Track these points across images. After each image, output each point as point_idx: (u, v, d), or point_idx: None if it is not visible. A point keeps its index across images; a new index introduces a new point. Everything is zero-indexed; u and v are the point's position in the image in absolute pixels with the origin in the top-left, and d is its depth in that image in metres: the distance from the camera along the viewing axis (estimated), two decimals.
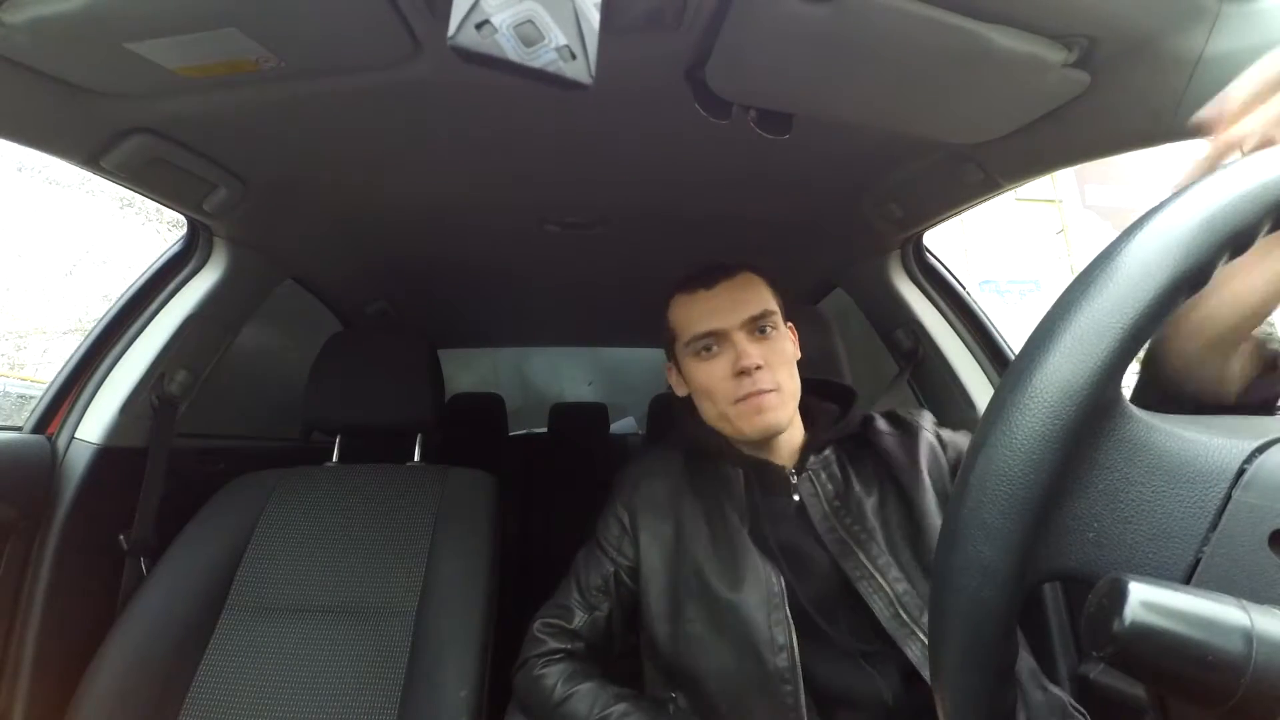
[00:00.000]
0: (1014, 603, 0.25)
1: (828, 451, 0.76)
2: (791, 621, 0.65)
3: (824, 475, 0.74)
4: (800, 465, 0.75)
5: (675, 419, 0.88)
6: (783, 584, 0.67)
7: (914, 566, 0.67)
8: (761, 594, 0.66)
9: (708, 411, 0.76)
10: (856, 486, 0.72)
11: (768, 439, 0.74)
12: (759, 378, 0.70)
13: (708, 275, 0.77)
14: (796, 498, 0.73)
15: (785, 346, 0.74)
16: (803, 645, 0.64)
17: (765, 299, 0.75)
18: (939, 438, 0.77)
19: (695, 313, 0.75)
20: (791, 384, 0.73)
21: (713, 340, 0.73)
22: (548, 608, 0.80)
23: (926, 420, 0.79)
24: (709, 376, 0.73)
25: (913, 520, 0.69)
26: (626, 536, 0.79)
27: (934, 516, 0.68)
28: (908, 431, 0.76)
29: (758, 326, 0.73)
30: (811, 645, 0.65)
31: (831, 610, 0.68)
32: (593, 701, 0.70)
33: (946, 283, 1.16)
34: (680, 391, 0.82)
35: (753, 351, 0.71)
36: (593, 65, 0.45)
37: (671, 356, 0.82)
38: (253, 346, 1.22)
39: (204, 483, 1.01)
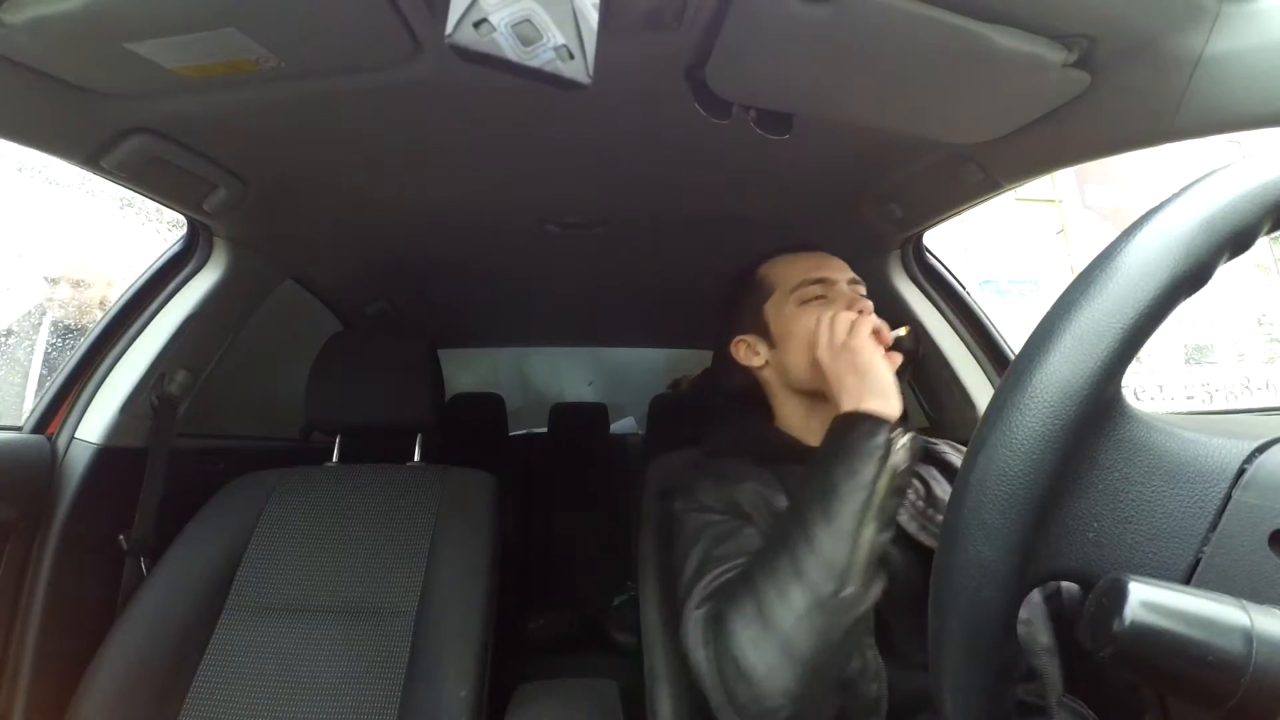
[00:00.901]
0: (1014, 602, 0.25)
1: None
2: (876, 645, 0.60)
3: None
4: None
5: (723, 419, 0.82)
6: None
7: None
8: None
9: (807, 366, 0.71)
10: (935, 486, 0.70)
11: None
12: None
13: (801, 244, 0.80)
14: None
15: None
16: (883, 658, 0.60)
17: None
18: None
19: (803, 264, 0.77)
20: None
21: (825, 287, 0.75)
22: (708, 568, 0.64)
23: None
24: (832, 318, 0.70)
25: None
26: (743, 512, 0.68)
27: None
28: None
29: (857, 290, 0.76)
30: (889, 656, 0.61)
31: (910, 618, 0.62)
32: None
33: (946, 283, 1.16)
34: (755, 362, 0.78)
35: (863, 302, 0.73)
36: (591, 65, 0.45)
37: (749, 324, 0.78)
38: (253, 346, 1.22)
39: (204, 483, 1.01)
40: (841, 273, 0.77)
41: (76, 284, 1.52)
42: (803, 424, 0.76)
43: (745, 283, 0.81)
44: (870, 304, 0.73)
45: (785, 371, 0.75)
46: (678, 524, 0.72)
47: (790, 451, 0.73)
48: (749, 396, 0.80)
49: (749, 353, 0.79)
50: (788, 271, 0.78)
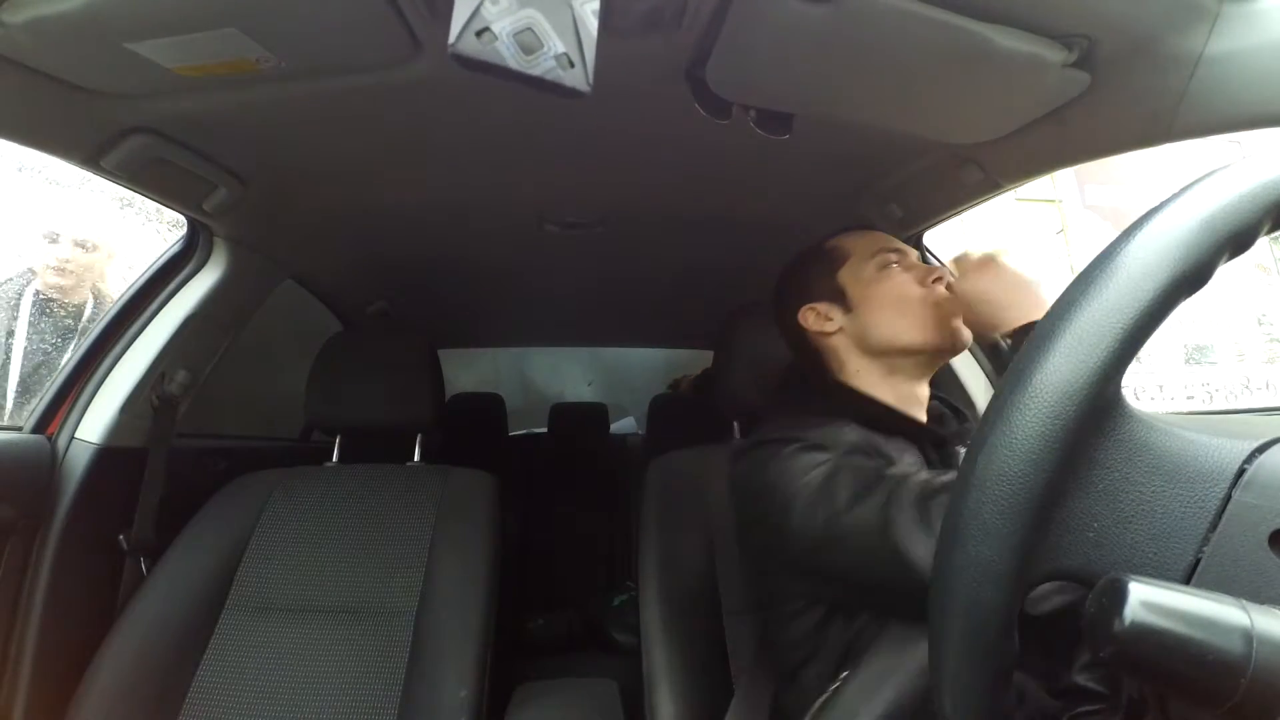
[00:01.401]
0: (1014, 603, 0.25)
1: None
2: None
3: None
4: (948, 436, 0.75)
5: (801, 387, 0.81)
6: None
7: None
8: None
9: (890, 326, 0.73)
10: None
11: (958, 349, 0.73)
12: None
13: (863, 225, 0.83)
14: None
15: None
16: None
17: None
18: None
19: (875, 237, 0.79)
20: None
21: (900, 255, 0.76)
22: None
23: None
24: (901, 284, 0.74)
25: None
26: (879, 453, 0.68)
27: None
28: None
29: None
30: None
31: None
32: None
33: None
34: (828, 328, 0.76)
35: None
36: (590, 73, 0.45)
37: (820, 292, 0.78)
38: (253, 346, 1.22)
39: (204, 483, 1.01)
40: (911, 249, 0.79)
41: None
42: (879, 387, 0.75)
43: (812, 254, 0.82)
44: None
45: (864, 333, 0.75)
46: (786, 464, 0.65)
47: (881, 411, 0.73)
48: (812, 368, 0.80)
49: (820, 319, 0.78)
50: (862, 242, 0.79)
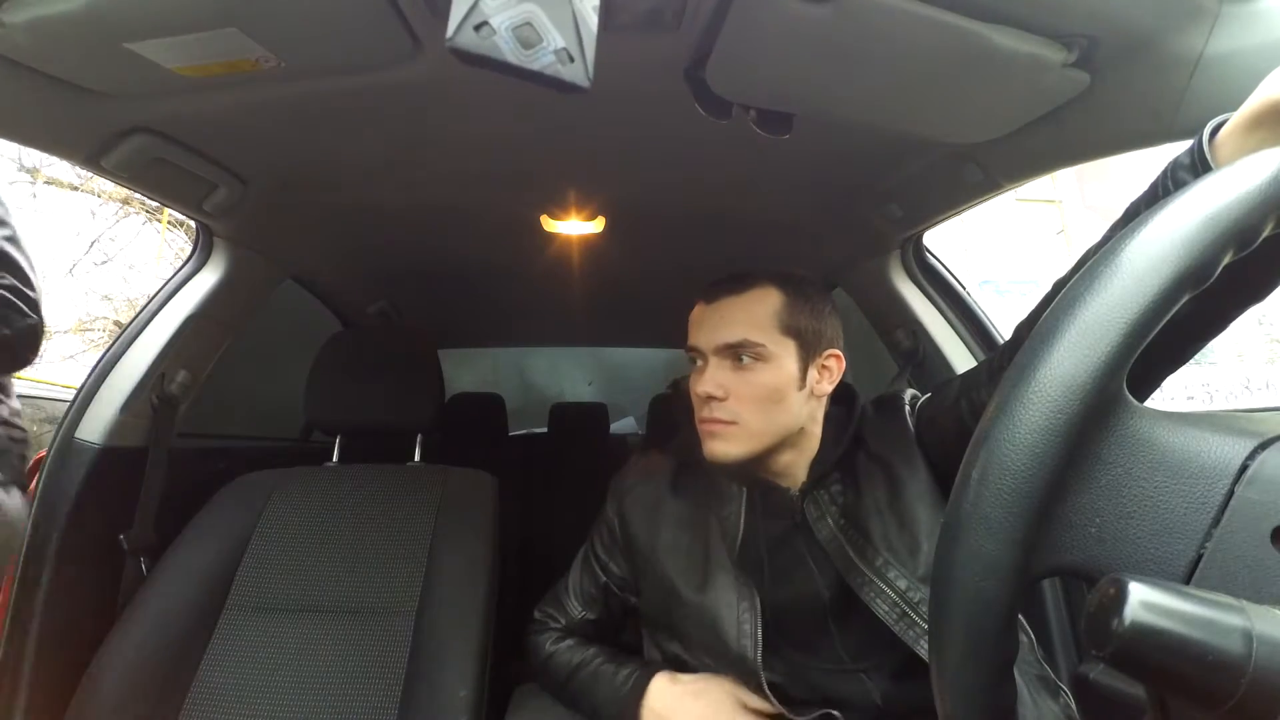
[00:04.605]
0: (1015, 597, 0.25)
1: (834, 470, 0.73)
2: (760, 638, 0.66)
3: (827, 496, 0.71)
4: (809, 485, 0.72)
5: (678, 422, 0.86)
6: (756, 603, 0.68)
7: (910, 559, 0.65)
8: (732, 611, 0.68)
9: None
10: (857, 493, 0.71)
11: (718, 465, 0.71)
12: (713, 407, 0.69)
13: (715, 288, 0.74)
14: (801, 518, 0.71)
15: (764, 380, 0.69)
16: (792, 660, 0.68)
17: (756, 326, 0.69)
18: (913, 408, 0.75)
19: (692, 324, 0.75)
20: (760, 421, 0.69)
21: (696, 355, 0.73)
22: (547, 597, 0.86)
23: (906, 396, 0.77)
24: (691, 388, 0.74)
25: (901, 506, 0.67)
26: (617, 546, 0.81)
27: (923, 496, 0.67)
28: (891, 409, 0.75)
29: (733, 354, 0.70)
30: (801, 659, 0.68)
31: (823, 627, 0.69)
32: (571, 654, 0.78)
33: (946, 282, 1.16)
34: None
35: (713, 379, 0.69)
36: (590, 68, 0.45)
37: None
38: (253, 346, 1.22)
39: (204, 483, 1.01)
40: (713, 338, 0.71)
41: None
42: None
43: None
44: (721, 386, 0.69)
45: None
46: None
47: (729, 470, 0.74)
48: None
49: None
50: (691, 320, 0.75)
